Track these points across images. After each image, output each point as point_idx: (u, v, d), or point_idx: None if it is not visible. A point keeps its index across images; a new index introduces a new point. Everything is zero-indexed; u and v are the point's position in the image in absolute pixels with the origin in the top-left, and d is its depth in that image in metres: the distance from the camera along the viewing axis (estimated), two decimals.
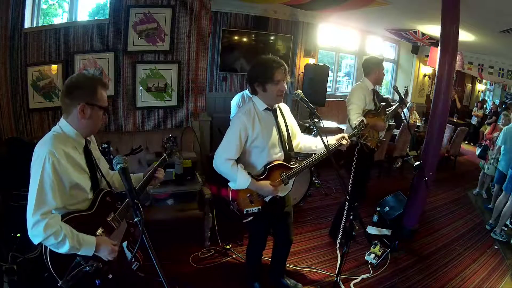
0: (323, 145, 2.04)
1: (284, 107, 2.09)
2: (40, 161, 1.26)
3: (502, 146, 4.01)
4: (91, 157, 1.47)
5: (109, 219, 1.48)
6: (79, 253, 1.32)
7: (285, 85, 1.89)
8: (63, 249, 1.26)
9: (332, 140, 2.05)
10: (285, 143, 2.01)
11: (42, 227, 1.21)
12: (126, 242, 1.62)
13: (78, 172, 1.38)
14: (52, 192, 1.26)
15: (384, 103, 3.00)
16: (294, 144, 2.09)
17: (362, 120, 2.20)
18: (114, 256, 1.41)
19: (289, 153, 2.03)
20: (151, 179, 1.66)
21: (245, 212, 1.96)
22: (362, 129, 2.17)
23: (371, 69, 2.86)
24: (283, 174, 1.97)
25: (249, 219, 1.98)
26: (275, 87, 1.85)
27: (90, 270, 1.34)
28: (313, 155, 2.05)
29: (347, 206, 2.68)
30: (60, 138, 1.35)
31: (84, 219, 1.38)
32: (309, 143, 2.16)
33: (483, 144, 5.09)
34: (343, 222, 2.75)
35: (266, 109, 1.93)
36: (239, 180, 1.85)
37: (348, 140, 2.09)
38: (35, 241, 1.24)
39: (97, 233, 1.41)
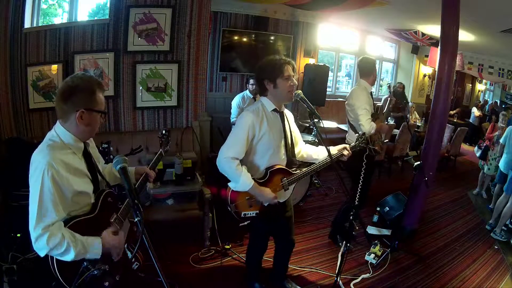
0: (324, 155, 2.06)
1: (289, 114, 2.09)
2: (39, 173, 1.21)
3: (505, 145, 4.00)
4: (91, 160, 1.44)
5: (112, 220, 1.46)
6: (87, 257, 1.29)
7: (295, 81, 1.89)
8: (69, 257, 1.24)
9: (334, 150, 2.04)
10: (289, 147, 2.00)
11: (45, 240, 1.19)
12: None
13: (80, 179, 1.35)
14: (53, 206, 1.23)
15: (380, 104, 3.03)
16: (296, 151, 2.09)
17: (364, 133, 2.19)
18: (119, 254, 1.40)
19: (292, 158, 2.02)
20: (145, 183, 1.65)
21: (242, 215, 1.95)
22: (363, 141, 2.16)
23: (369, 70, 2.82)
24: (284, 179, 1.96)
25: (245, 223, 1.97)
26: (286, 83, 1.85)
27: (98, 274, 1.32)
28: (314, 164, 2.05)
29: (352, 212, 2.66)
30: (57, 146, 1.30)
31: (87, 223, 1.36)
32: (310, 152, 2.16)
33: (482, 145, 5.08)
34: (346, 225, 2.74)
35: (274, 110, 1.93)
36: (242, 182, 1.82)
37: (350, 152, 2.08)
38: (41, 254, 1.23)
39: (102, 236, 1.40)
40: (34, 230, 1.20)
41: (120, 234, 1.41)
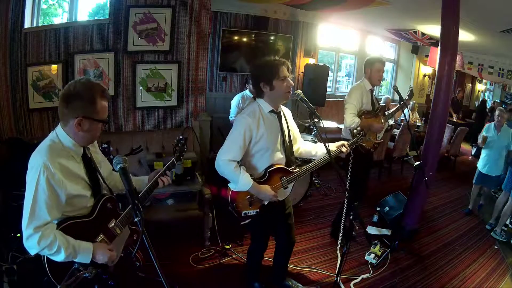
0: (322, 152, 2.09)
1: (287, 112, 2.09)
2: (35, 173, 1.22)
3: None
4: (90, 164, 1.43)
5: (110, 226, 1.45)
6: (76, 260, 1.30)
7: (291, 82, 1.89)
8: (59, 258, 1.25)
9: (332, 147, 2.05)
10: (287, 147, 2.01)
11: (36, 240, 1.20)
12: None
13: (76, 183, 1.34)
14: (46, 207, 1.23)
15: (383, 104, 3.02)
16: (294, 149, 2.09)
17: (362, 129, 2.21)
18: (114, 261, 1.40)
19: (290, 157, 2.03)
20: (157, 184, 1.60)
21: (243, 214, 1.96)
22: (361, 138, 2.19)
23: (364, 69, 2.92)
24: (283, 178, 1.97)
25: (246, 221, 1.98)
26: (282, 84, 1.85)
27: (89, 276, 1.32)
28: (312, 161, 2.06)
29: (345, 206, 2.70)
30: (56, 148, 1.30)
31: (83, 225, 1.36)
32: (308, 149, 2.17)
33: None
34: (342, 222, 2.76)
35: (271, 111, 1.93)
36: (241, 182, 1.83)
37: (348, 148, 2.10)
38: (31, 253, 1.24)
39: (97, 240, 1.39)
40: (26, 229, 1.21)
41: (113, 251, 1.40)
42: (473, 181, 4.18)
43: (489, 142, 3.88)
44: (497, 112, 3.91)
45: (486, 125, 4.09)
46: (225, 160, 1.82)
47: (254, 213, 1.97)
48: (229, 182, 1.93)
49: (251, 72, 1.96)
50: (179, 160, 1.73)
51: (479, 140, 3.97)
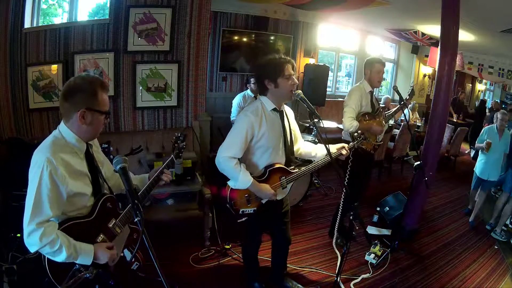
0: (322, 153, 2.10)
1: (289, 111, 2.10)
2: (38, 169, 1.23)
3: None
4: (93, 162, 1.43)
5: (110, 225, 1.45)
6: (77, 262, 1.30)
7: (296, 80, 1.89)
8: (60, 258, 1.24)
9: (332, 149, 2.04)
10: (288, 146, 2.01)
11: (38, 236, 1.19)
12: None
13: (78, 180, 1.34)
14: (48, 202, 1.23)
15: (383, 105, 3.01)
16: (294, 149, 2.10)
17: (363, 133, 2.21)
18: (114, 261, 1.40)
19: (290, 157, 2.04)
20: (158, 181, 1.60)
21: (240, 212, 1.97)
22: (362, 141, 2.19)
23: (364, 70, 2.88)
24: (282, 178, 1.97)
25: (243, 219, 1.99)
26: (286, 82, 1.85)
27: (90, 277, 1.32)
28: (312, 162, 2.06)
29: (341, 206, 2.71)
30: (59, 144, 1.31)
31: (83, 225, 1.36)
32: (308, 150, 2.17)
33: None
34: (337, 222, 2.76)
35: (274, 110, 1.93)
36: (241, 180, 1.84)
37: (348, 151, 2.10)
38: (32, 250, 1.23)
39: (98, 240, 1.39)
40: (28, 225, 1.21)
41: (114, 249, 1.40)
42: (471, 186, 4.08)
43: (491, 148, 3.78)
44: (499, 116, 3.78)
45: (486, 127, 3.99)
46: (226, 157, 1.83)
47: (252, 211, 1.98)
48: (229, 180, 1.94)
49: (256, 69, 1.95)
50: (179, 157, 1.73)
51: (480, 144, 3.85)
